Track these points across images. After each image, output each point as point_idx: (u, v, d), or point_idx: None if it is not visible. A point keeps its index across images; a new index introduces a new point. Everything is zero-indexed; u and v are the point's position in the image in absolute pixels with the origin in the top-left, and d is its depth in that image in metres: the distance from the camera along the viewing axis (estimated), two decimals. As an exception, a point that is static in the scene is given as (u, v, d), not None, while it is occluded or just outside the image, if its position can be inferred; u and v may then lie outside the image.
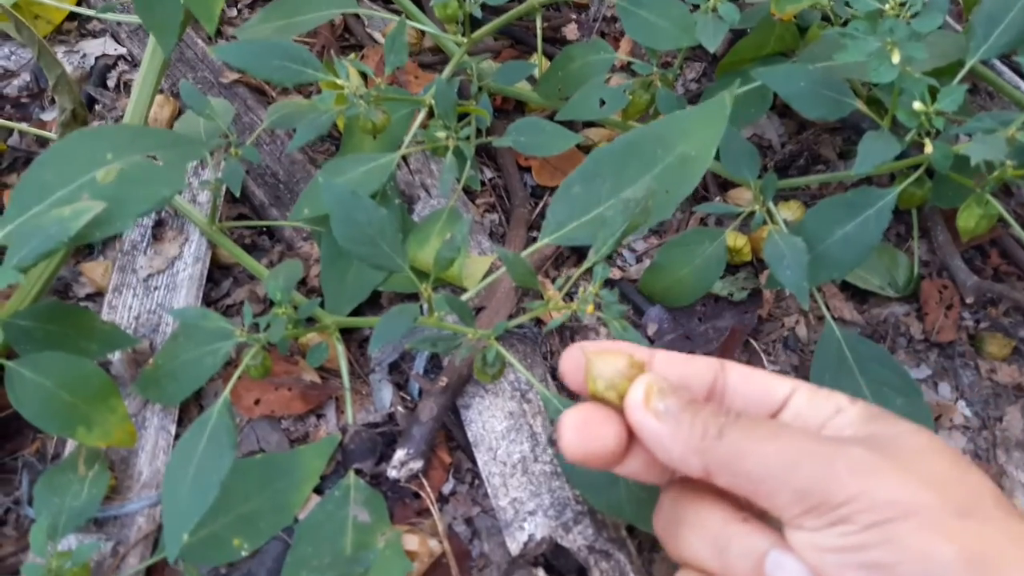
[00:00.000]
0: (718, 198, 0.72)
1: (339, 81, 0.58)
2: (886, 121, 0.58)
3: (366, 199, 0.51)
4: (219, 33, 0.81)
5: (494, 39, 0.84)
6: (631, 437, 0.35)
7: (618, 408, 0.35)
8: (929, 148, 0.57)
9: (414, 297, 0.53)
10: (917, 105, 0.56)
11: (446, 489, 0.55)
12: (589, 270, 0.46)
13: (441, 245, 0.50)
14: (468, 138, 0.62)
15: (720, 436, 0.32)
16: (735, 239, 0.67)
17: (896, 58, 0.54)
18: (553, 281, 0.67)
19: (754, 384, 0.37)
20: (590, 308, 0.49)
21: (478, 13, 0.63)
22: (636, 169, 0.54)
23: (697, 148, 0.54)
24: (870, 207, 0.58)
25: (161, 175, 0.50)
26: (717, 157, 0.64)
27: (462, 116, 0.65)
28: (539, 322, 0.65)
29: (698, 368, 0.37)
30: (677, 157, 0.54)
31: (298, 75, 0.58)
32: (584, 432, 0.35)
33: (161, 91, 0.76)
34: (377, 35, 0.84)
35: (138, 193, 0.49)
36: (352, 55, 0.80)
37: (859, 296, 0.67)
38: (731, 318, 0.64)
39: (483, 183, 0.74)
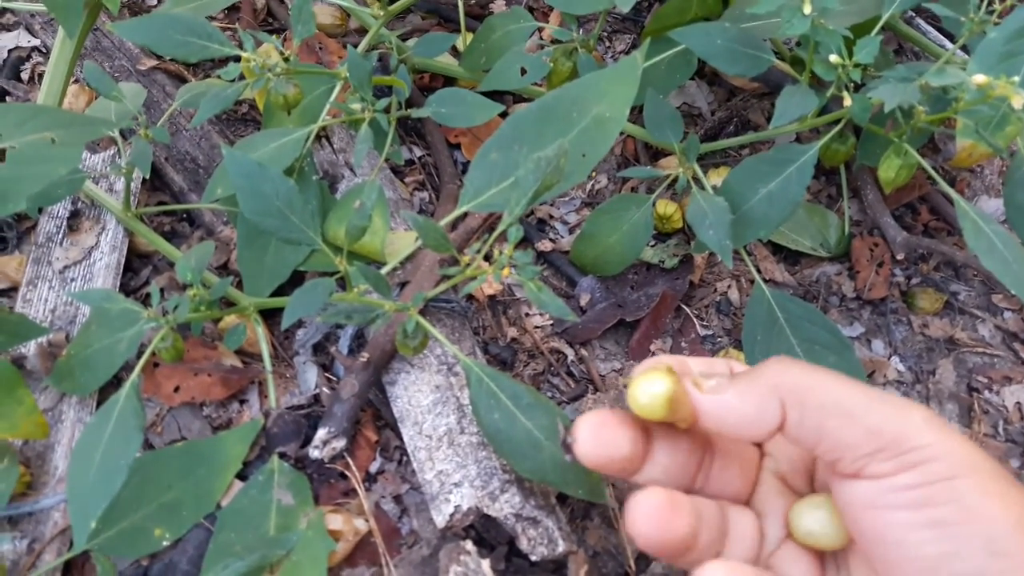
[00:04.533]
0: (649, 167, 0.71)
1: (245, 54, 0.56)
2: (804, 76, 0.58)
3: (272, 170, 0.50)
4: (137, 20, 0.79)
5: (422, 19, 0.83)
6: (648, 445, 0.35)
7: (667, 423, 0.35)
8: (848, 101, 0.56)
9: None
10: (833, 58, 0.55)
11: (373, 468, 0.54)
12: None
13: (351, 214, 0.49)
14: (387, 110, 0.60)
15: (788, 372, 0.33)
16: (665, 207, 0.66)
17: (808, 9, 0.53)
18: (487, 256, 0.66)
19: None
20: (505, 271, 0.48)
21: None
22: (553, 133, 0.54)
23: (611, 109, 0.53)
24: (792, 163, 0.57)
25: (56, 154, 0.48)
26: (644, 124, 0.64)
27: (384, 91, 0.64)
28: (470, 297, 0.64)
29: (717, 366, 0.38)
30: (593, 119, 0.54)
31: (202, 50, 0.56)
32: (600, 436, 0.34)
33: (77, 81, 0.74)
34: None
35: (31, 172, 0.47)
36: (274, 37, 0.78)
37: (791, 258, 0.67)
38: (663, 285, 0.64)
39: (412, 161, 0.73)
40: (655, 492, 0.33)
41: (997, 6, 0.55)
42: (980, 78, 0.47)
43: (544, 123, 0.54)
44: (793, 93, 0.57)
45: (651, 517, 0.33)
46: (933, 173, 0.56)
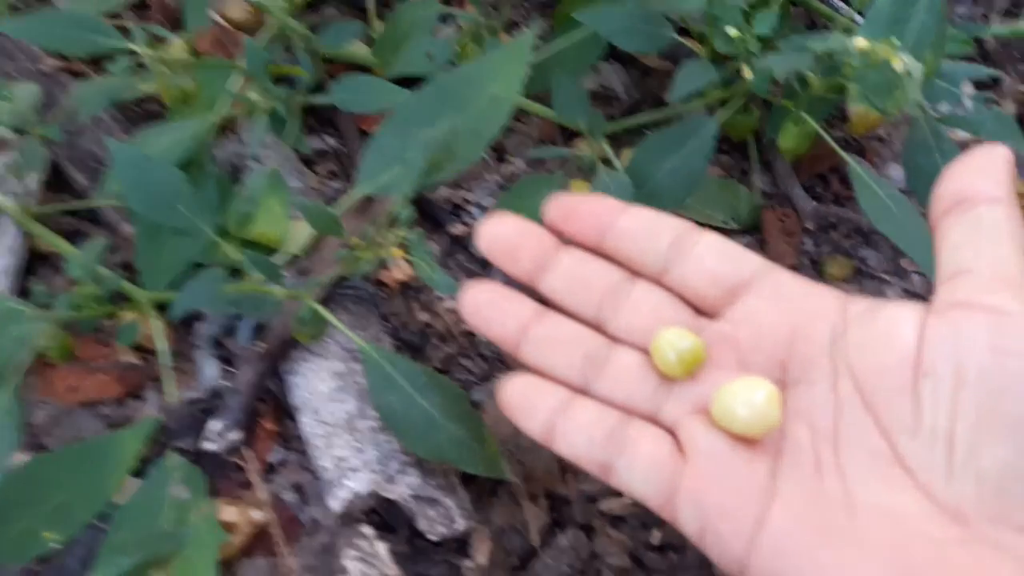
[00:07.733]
0: (566, 149, 0.71)
1: (135, 47, 0.55)
2: (705, 50, 0.58)
3: (159, 161, 0.49)
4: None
5: (338, 10, 0.82)
6: None
7: None
8: (748, 73, 0.56)
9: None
10: (731, 30, 0.55)
11: (275, 458, 0.53)
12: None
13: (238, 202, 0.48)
14: (288, 99, 0.59)
15: None
16: (578, 187, 0.66)
17: (700, -18, 0.53)
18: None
19: None
20: (395, 251, 0.47)
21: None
22: (447, 113, 0.53)
23: (503, 87, 0.53)
24: (692, 137, 0.57)
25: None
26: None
27: (288, 80, 0.63)
28: (380, 283, 0.63)
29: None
30: (486, 98, 0.53)
31: (91, 45, 0.55)
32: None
33: (-22, 83, 0.73)
34: (214, 13, 0.81)
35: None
36: (182, 32, 0.77)
37: (705, 233, 0.67)
38: (576, 265, 0.63)
39: (326, 151, 0.72)
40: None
41: (884, -28, 0.55)
42: (861, 42, 0.48)
43: (438, 104, 0.54)
44: (691, 66, 0.57)
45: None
46: (829, 140, 0.56)
